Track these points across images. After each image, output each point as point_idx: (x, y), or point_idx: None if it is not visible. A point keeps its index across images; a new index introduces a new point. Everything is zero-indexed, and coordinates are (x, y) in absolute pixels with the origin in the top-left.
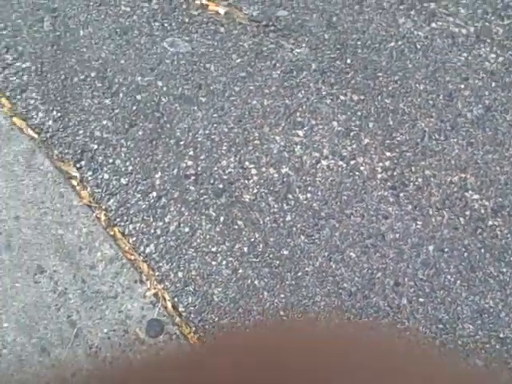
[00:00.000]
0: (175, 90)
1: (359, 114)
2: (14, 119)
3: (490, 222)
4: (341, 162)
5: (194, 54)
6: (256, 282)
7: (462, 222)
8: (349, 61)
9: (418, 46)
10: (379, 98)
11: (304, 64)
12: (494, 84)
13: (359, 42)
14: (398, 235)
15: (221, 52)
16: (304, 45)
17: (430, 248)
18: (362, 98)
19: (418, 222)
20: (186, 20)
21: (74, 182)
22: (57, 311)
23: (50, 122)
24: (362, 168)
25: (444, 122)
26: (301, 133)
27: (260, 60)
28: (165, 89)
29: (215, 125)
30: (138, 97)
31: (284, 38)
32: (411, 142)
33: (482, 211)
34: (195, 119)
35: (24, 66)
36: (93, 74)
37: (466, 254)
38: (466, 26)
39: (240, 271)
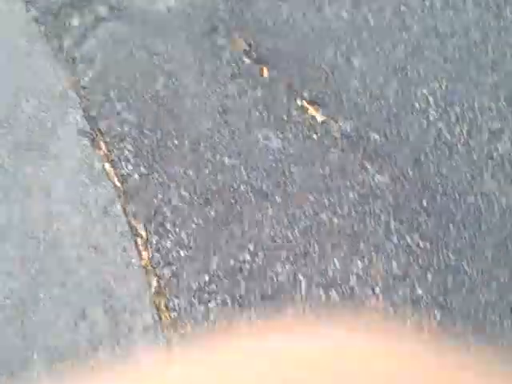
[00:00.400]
0: (255, 182)
1: (420, 261)
2: (106, 164)
3: None
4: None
5: (283, 153)
6: None
7: None
8: (425, 204)
9: (496, 209)
10: (444, 251)
11: (381, 193)
12: None
13: (440, 188)
14: None
15: (308, 158)
16: (387, 174)
17: None
18: (429, 246)
19: None
20: (285, 117)
21: (139, 241)
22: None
23: (136, 176)
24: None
25: (502, 300)
26: (360, 263)
27: (341, 177)
28: (246, 177)
29: (282, 229)
30: (220, 177)
31: (370, 161)
32: (465, 309)
33: None
34: (265, 216)
35: (129, 117)
36: (186, 143)
37: None
38: None
39: None
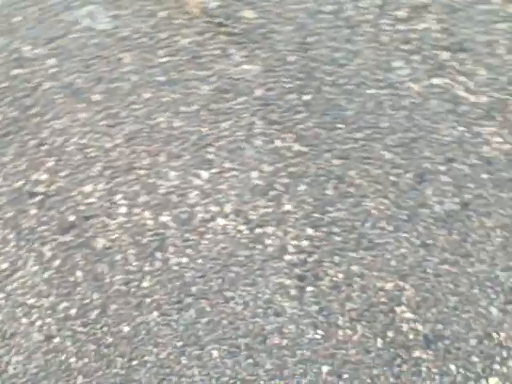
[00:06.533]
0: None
1: (292, 169)
2: None
3: (417, 354)
4: (243, 227)
5: (114, 36)
6: (72, 360)
7: (378, 343)
8: (307, 97)
9: (405, 103)
10: (327, 155)
11: (247, 87)
12: (485, 176)
13: (330, 77)
14: (285, 341)
15: (153, 43)
16: (259, 62)
17: (324, 369)
18: (305, 150)
19: (319, 332)
20: None
21: None
22: None
23: None
24: (268, 241)
25: (400, 209)
26: (205, 175)
27: (193, 66)
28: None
29: (94, 134)
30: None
31: (236, 46)
32: (347, 223)
33: (411, 337)
34: (73, 117)
35: None
36: None
37: None
38: (477, 92)
39: (56, 340)
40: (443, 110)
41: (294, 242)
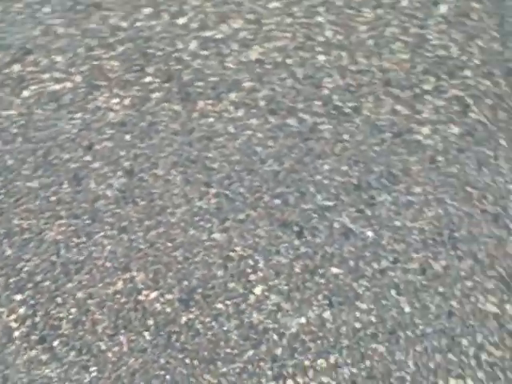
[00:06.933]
0: None
1: None
2: None
3: (184, 319)
4: None
5: None
6: None
7: (147, 337)
8: None
9: (15, 131)
10: None
11: None
12: (128, 137)
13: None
14: None
15: None
16: None
17: None
18: None
19: (92, 369)
20: None
21: None
22: None
23: None
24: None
25: (77, 209)
26: None
27: None
28: None
29: None
30: None
31: None
32: (43, 264)
33: (169, 309)
34: None
35: None
36: None
37: (168, 377)
38: (69, 75)
39: None
40: (52, 110)
41: (13, 317)
